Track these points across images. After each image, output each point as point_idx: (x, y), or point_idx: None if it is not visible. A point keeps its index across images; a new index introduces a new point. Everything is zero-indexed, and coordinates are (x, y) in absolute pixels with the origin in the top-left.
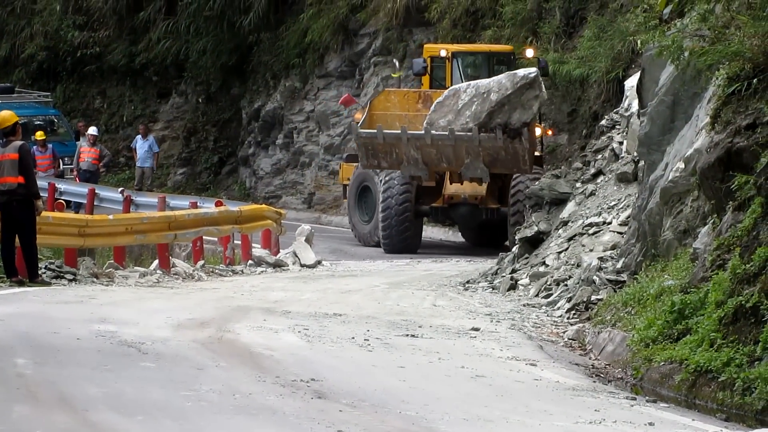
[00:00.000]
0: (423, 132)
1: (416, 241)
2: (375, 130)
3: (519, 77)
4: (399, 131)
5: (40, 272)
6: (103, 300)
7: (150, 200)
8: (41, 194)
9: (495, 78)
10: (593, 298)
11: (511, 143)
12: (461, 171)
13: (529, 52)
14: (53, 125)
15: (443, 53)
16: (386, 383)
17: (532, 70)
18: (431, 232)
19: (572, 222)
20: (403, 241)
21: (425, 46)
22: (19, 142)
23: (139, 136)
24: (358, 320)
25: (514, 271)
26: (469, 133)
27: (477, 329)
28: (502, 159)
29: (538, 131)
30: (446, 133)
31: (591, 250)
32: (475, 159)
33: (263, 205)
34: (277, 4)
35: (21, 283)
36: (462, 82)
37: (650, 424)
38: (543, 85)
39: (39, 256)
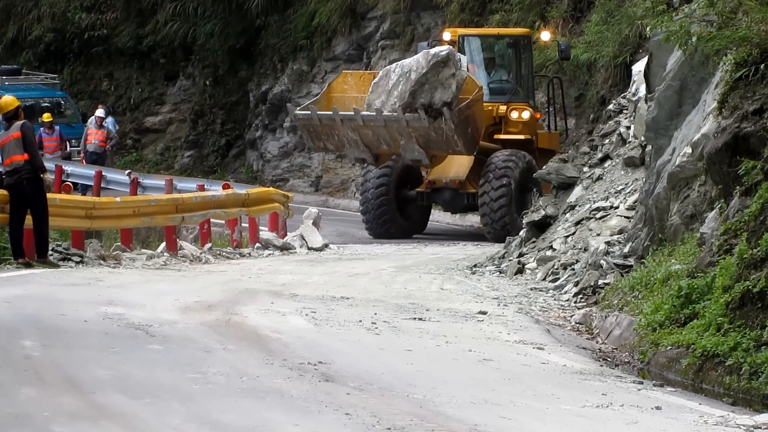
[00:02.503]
0: (353, 113)
1: (403, 225)
2: (309, 111)
3: (431, 55)
4: (331, 112)
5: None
6: (111, 282)
7: (157, 183)
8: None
9: (415, 57)
10: (600, 282)
11: (434, 123)
12: (401, 153)
13: (545, 35)
14: (60, 107)
15: (447, 37)
16: (394, 366)
17: (445, 48)
18: (438, 215)
19: (579, 206)
20: (382, 225)
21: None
22: (20, 122)
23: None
24: (366, 303)
25: (521, 255)
26: (395, 114)
27: (484, 313)
28: (434, 140)
29: (526, 114)
30: (374, 113)
31: (598, 235)
32: (409, 140)
33: (270, 188)
34: None
35: (28, 265)
36: (472, 66)
37: (657, 408)
38: (462, 63)
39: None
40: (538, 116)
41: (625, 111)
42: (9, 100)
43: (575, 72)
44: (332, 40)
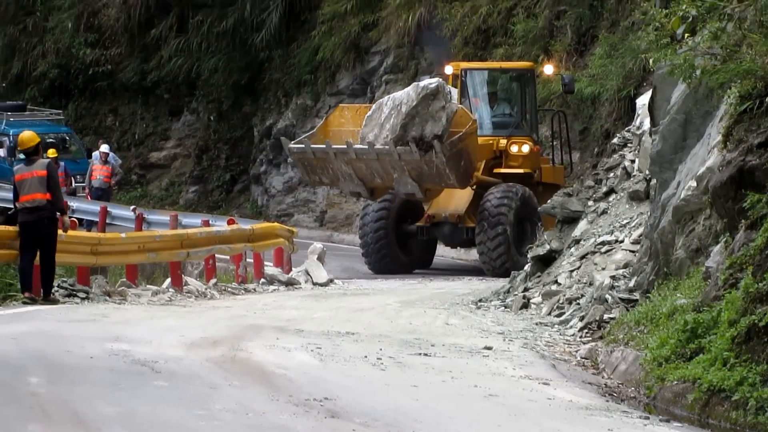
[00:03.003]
0: (346, 146)
1: (403, 260)
2: (303, 145)
3: (420, 87)
4: (324, 146)
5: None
6: (116, 318)
7: (162, 218)
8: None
9: (405, 89)
10: (606, 316)
11: (425, 156)
12: (394, 186)
13: (548, 69)
14: (65, 143)
15: (449, 70)
16: (399, 402)
17: (434, 80)
18: (443, 250)
19: (584, 240)
20: (382, 260)
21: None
22: (45, 160)
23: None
24: (371, 339)
25: (526, 289)
26: (386, 147)
27: (490, 348)
28: (427, 173)
29: (526, 148)
30: (366, 147)
31: (603, 269)
32: (402, 174)
33: (275, 224)
34: (288, 22)
35: (33, 301)
36: (475, 100)
37: None
38: (452, 96)
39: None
40: (536, 150)
41: (629, 144)
42: (29, 135)
43: (579, 105)
44: (336, 74)
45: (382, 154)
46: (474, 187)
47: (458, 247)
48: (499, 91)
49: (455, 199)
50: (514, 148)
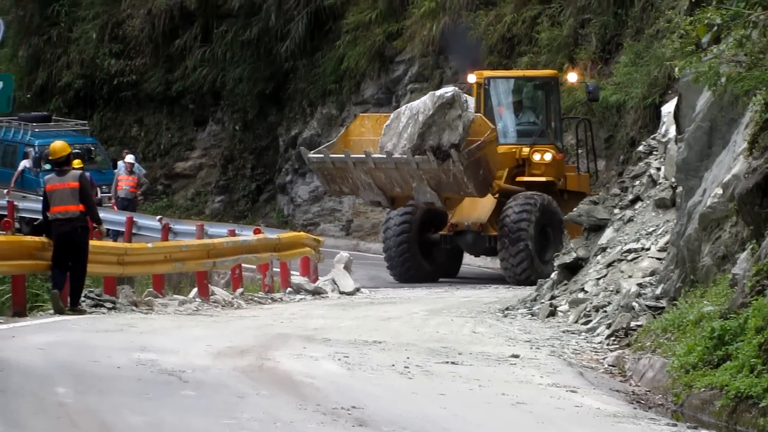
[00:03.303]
0: (364, 156)
1: (427, 268)
2: (322, 155)
3: (436, 96)
4: (343, 155)
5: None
6: (143, 328)
7: (188, 228)
8: None
9: (422, 98)
10: (633, 324)
11: (443, 165)
12: (413, 195)
13: (572, 77)
14: (90, 153)
15: (472, 79)
16: (427, 411)
17: (450, 89)
18: (470, 258)
19: (611, 248)
20: (406, 269)
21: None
22: (77, 171)
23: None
24: (398, 347)
25: (553, 297)
26: (404, 156)
27: (517, 356)
28: (445, 182)
29: (548, 156)
30: (384, 156)
31: (630, 276)
32: (420, 183)
33: (301, 233)
34: (313, 32)
35: (59, 306)
36: (504, 109)
37: None
38: (468, 105)
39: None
40: (559, 158)
41: (655, 152)
42: (61, 145)
43: (605, 113)
44: (361, 83)
45: (400, 163)
46: (496, 195)
47: (481, 256)
48: (523, 99)
49: (478, 208)
50: (536, 156)
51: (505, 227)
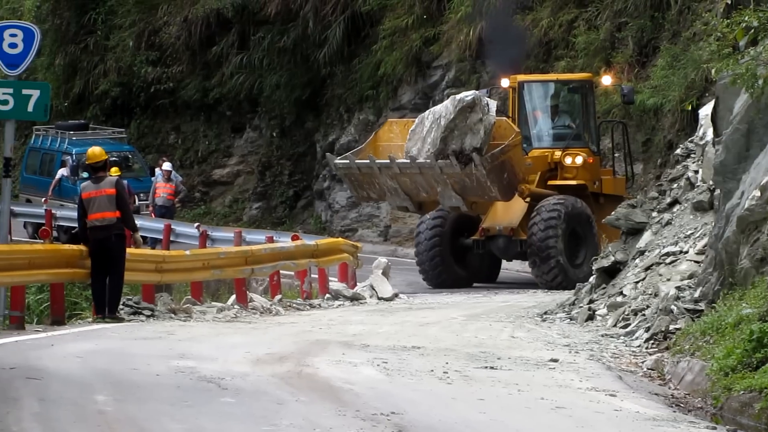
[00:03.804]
0: (389, 161)
1: (460, 274)
2: (348, 161)
3: (457, 100)
4: (368, 160)
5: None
6: (182, 335)
7: (226, 235)
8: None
9: (444, 102)
10: (671, 327)
11: (465, 169)
12: (439, 200)
13: (606, 80)
14: (128, 161)
15: (505, 83)
16: (466, 416)
17: (470, 93)
18: (508, 263)
19: (649, 252)
20: (437, 274)
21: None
22: (114, 178)
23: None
24: (437, 353)
25: (591, 301)
26: (428, 161)
27: (556, 360)
28: (469, 186)
29: (579, 159)
30: (408, 161)
31: (668, 280)
32: (445, 187)
33: (339, 239)
34: (350, 38)
35: (103, 320)
36: (538, 113)
37: None
38: (489, 108)
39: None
40: (591, 161)
41: (692, 155)
42: (98, 151)
43: (642, 117)
44: (398, 89)
45: (424, 168)
46: (527, 199)
47: (513, 260)
48: (557, 103)
49: (510, 212)
50: (568, 160)
51: (533, 245)
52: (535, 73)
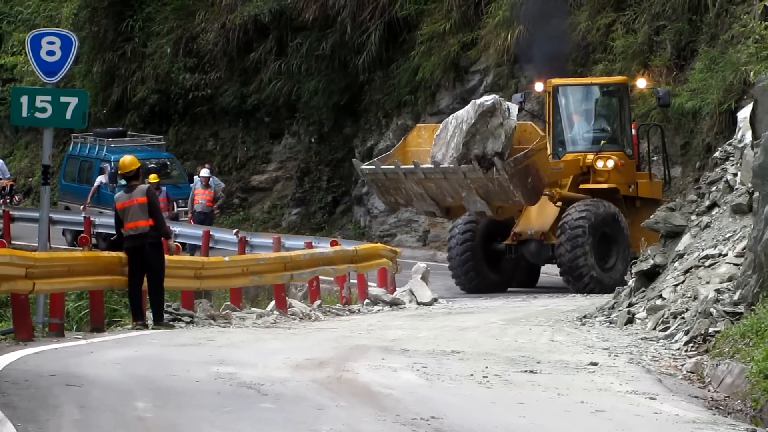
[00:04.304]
0: (413, 166)
1: (493, 278)
2: (374, 166)
3: (477, 105)
4: (393, 166)
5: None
6: (221, 342)
7: (265, 241)
8: None
9: (466, 107)
10: (711, 330)
11: (488, 174)
12: (464, 205)
13: (641, 83)
14: (166, 168)
15: (539, 87)
16: (506, 420)
17: (491, 98)
18: (547, 267)
19: (688, 255)
20: (469, 279)
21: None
22: (144, 186)
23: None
24: (476, 357)
25: (630, 305)
26: (451, 166)
27: (595, 364)
28: (494, 191)
29: (610, 163)
30: (431, 166)
31: (707, 283)
32: (469, 192)
33: (378, 244)
34: (387, 43)
35: (146, 326)
36: (573, 116)
37: None
38: (510, 112)
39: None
40: (621, 164)
41: (731, 158)
42: (130, 159)
43: (680, 120)
44: (436, 94)
45: (448, 173)
46: (558, 203)
47: (545, 264)
48: (592, 106)
49: (542, 217)
50: (599, 163)
51: (563, 265)
52: (573, 77)
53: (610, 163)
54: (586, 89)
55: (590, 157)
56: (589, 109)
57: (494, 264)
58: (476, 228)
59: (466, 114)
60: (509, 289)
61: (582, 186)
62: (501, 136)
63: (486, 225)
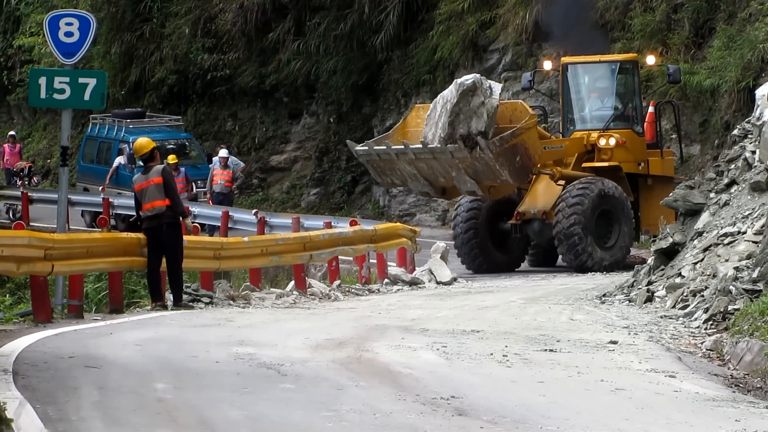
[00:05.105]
0: (403, 146)
1: (500, 258)
2: (367, 147)
3: (458, 84)
4: (384, 147)
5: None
6: (241, 322)
7: (284, 221)
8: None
9: (450, 86)
10: (730, 308)
11: (473, 153)
12: (455, 185)
13: (650, 59)
14: (185, 149)
15: (548, 66)
16: (526, 399)
17: (471, 77)
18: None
19: (707, 232)
20: (474, 258)
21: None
22: (160, 166)
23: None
24: (496, 336)
25: (650, 283)
26: (438, 146)
27: (615, 342)
28: (481, 170)
29: (612, 141)
30: (420, 146)
31: (726, 260)
32: (459, 172)
33: (397, 224)
34: (406, 22)
35: (165, 308)
36: (582, 95)
37: None
38: (492, 91)
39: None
40: (633, 142)
41: (749, 135)
42: (144, 142)
43: (699, 98)
44: (455, 73)
45: (437, 153)
46: (560, 182)
47: (548, 244)
48: (601, 84)
49: (545, 196)
50: (602, 141)
51: (559, 232)
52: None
53: (612, 141)
54: (595, 67)
55: (594, 135)
56: (598, 87)
57: (500, 244)
58: (481, 207)
59: (449, 94)
60: (530, 267)
61: (585, 165)
62: (483, 115)
63: (491, 205)
